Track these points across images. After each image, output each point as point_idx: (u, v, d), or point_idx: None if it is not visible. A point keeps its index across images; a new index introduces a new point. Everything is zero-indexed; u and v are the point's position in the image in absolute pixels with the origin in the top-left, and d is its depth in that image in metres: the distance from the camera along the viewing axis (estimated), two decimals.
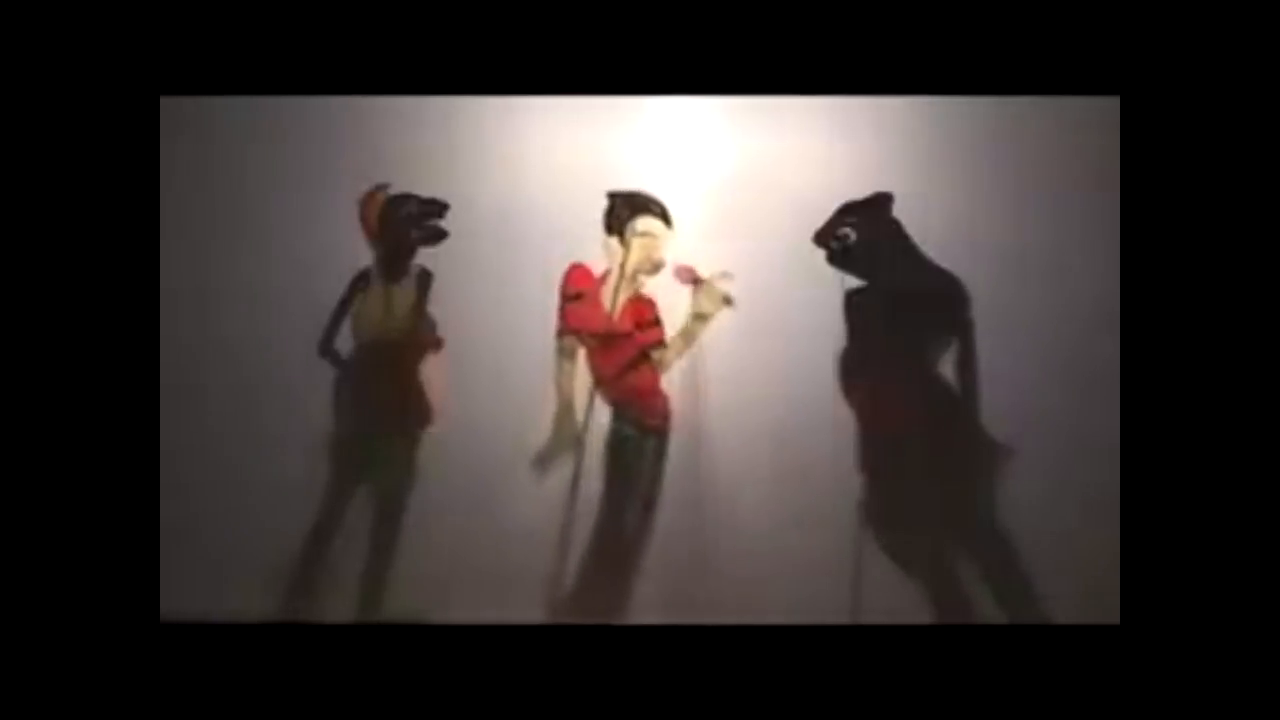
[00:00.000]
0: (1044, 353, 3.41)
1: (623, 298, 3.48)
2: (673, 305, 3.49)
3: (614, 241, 3.51)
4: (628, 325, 3.47)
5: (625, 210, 3.50)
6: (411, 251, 3.59)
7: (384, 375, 3.55)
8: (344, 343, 3.57)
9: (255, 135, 3.58)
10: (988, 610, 3.29)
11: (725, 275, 3.43)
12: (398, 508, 3.50)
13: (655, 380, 3.48)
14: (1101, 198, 3.24)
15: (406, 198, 3.57)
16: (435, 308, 3.59)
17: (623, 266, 3.49)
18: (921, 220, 3.46)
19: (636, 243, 3.48)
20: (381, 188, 3.59)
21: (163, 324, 3.18)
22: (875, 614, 3.29)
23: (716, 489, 3.48)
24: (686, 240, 3.53)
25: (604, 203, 3.52)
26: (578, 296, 3.49)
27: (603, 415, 3.47)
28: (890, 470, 3.38)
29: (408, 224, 3.57)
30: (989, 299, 3.41)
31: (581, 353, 3.50)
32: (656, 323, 3.49)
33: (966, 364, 3.40)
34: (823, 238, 3.47)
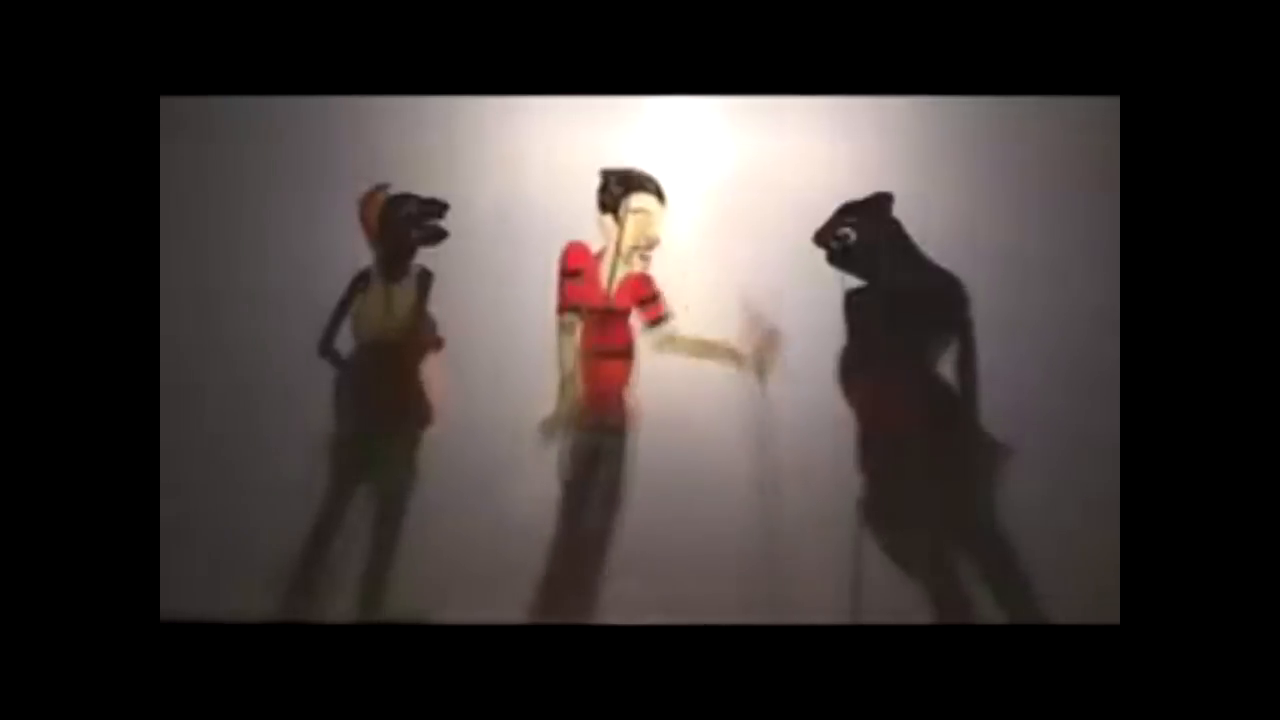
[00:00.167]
0: (1044, 352, 3.41)
1: (620, 275, 3.49)
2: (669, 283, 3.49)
3: (608, 219, 3.52)
4: (626, 302, 3.49)
5: (619, 187, 3.51)
6: (411, 251, 3.59)
7: (384, 375, 3.55)
8: (344, 343, 3.57)
9: (255, 135, 3.58)
10: (988, 610, 3.29)
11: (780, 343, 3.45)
12: (398, 508, 3.50)
13: (625, 378, 3.47)
14: (1102, 198, 3.24)
15: (406, 198, 3.58)
16: (435, 307, 3.59)
17: (618, 244, 3.50)
18: (922, 220, 3.47)
19: (631, 219, 3.49)
20: (381, 188, 3.59)
21: (163, 324, 3.18)
22: (875, 614, 3.29)
23: (716, 489, 3.48)
24: (687, 240, 3.53)
25: None
26: (576, 273, 3.49)
27: None
28: (890, 470, 3.38)
29: (408, 224, 3.57)
30: (989, 299, 3.41)
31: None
32: (655, 298, 3.51)
33: (966, 364, 3.40)
34: (823, 238, 3.48)
